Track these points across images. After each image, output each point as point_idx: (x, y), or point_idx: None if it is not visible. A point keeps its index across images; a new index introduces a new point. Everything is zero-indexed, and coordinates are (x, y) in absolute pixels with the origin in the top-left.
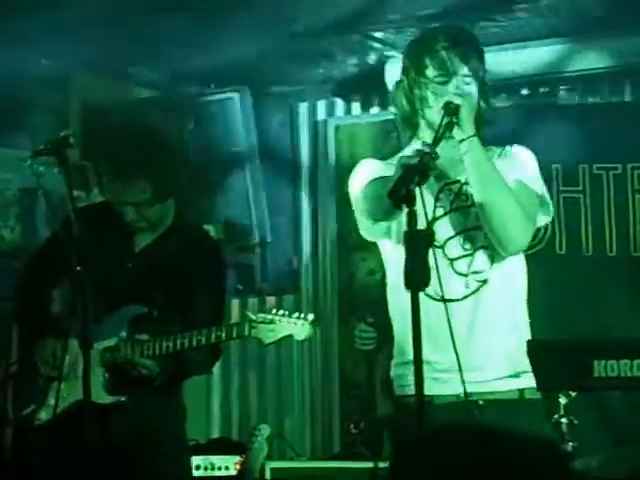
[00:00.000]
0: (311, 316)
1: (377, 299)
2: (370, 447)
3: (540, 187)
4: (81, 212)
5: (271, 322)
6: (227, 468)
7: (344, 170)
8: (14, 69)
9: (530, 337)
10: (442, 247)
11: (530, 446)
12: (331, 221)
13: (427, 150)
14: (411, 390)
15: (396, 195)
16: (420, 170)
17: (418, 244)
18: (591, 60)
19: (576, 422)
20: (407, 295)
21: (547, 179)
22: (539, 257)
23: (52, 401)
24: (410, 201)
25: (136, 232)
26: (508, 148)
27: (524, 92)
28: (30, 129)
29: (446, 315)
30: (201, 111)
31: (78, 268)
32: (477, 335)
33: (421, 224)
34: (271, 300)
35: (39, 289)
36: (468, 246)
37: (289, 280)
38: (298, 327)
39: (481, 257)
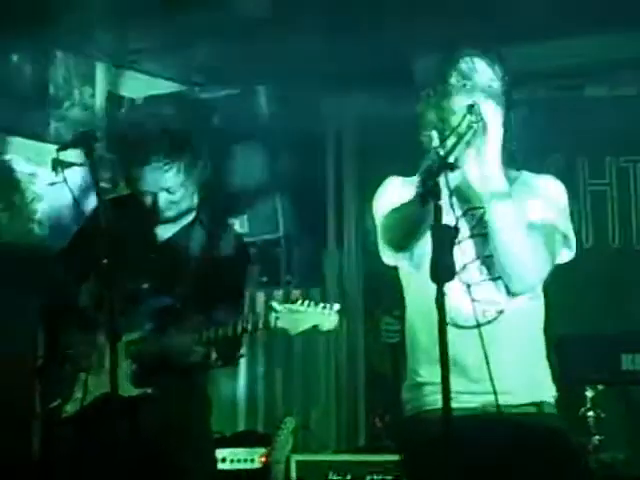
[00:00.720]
0: (337, 306)
1: (402, 292)
2: (395, 440)
3: (565, 224)
4: (107, 204)
5: (297, 312)
6: (252, 461)
7: (369, 162)
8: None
9: (546, 368)
10: (459, 273)
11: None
12: (357, 214)
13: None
14: (426, 405)
15: (423, 189)
16: (448, 164)
17: (444, 238)
18: (619, 52)
19: (603, 415)
20: (423, 317)
21: (573, 172)
22: None
23: (79, 394)
24: (436, 195)
25: (161, 223)
26: (535, 178)
27: (551, 84)
28: (57, 122)
29: (471, 341)
30: (226, 102)
31: (105, 261)
32: (493, 361)
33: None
34: (296, 293)
35: (67, 283)
36: (486, 273)
37: (314, 273)
38: (324, 317)
39: (499, 286)
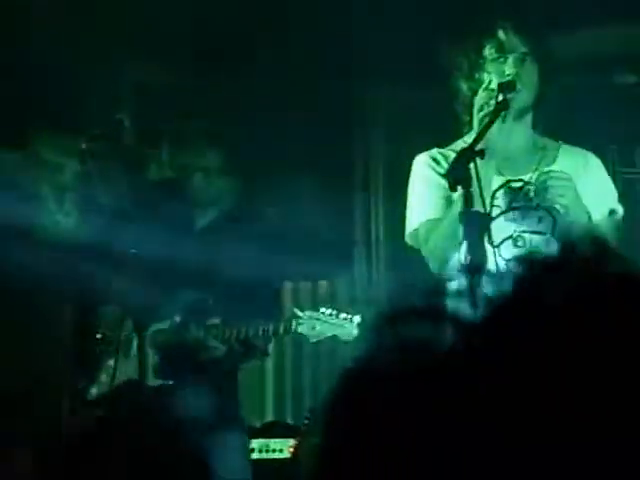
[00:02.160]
0: (358, 318)
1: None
2: None
3: (604, 190)
4: (142, 191)
5: (318, 320)
6: (281, 451)
7: (397, 153)
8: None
9: None
10: (497, 247)
11: None
12: (384, 204)
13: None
14: None
15: (452, 175)
16: (477, 151)
17: (474, 225)
18: None
19: None
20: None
21: (604, 160)
22: None
23: (104, 378)
24: (466, 182)
25: (200, 207)
26: (575, 149)
27: (581, 72)
28: (84, 113)
29: None
30: None
31: (133, 251)
32: None
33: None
34: (323, 284)
35: (96, 271)
36: (523, 247)
37: (342, 264)
38: (344, 329)
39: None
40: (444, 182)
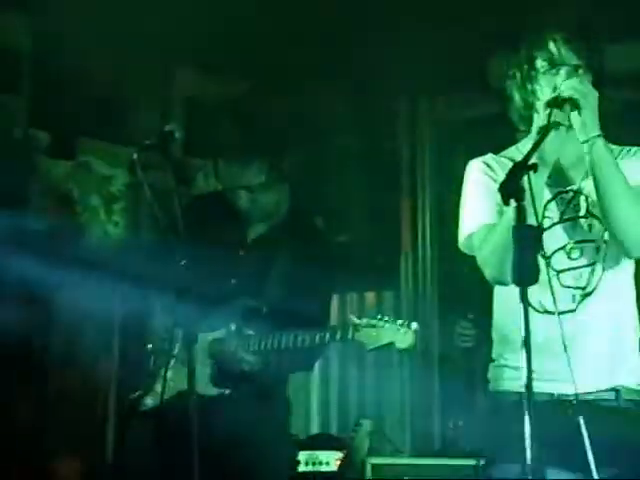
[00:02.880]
0: (415, 325)
1: (477, 296)
2: (471, 444)
3: None
4: (194, 202)
5: (374, 327)
6: (328, 463)
7: (445, 167)
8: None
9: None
10: (549, 258)
11: None
12: (431, 216)
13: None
14: (504, 386)
15: (505, 189)
16: (530, 165)
17: (527, 239)
18: None
19: None
20: (509, 300)
21: None
22: None
23: (159, 388)
24: (519, 195)
25: (250, 221)
26: (627, 149)
27: (630, 86)
28: (133, 125)
29: (551, 327)
30: None
31: (182, 262)
32: (576, 348)
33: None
34: (370, 296)
35: (150, 281)
36: (576, 259)
37: (389, 275)
38: (401, 335)
39: (589, 272)
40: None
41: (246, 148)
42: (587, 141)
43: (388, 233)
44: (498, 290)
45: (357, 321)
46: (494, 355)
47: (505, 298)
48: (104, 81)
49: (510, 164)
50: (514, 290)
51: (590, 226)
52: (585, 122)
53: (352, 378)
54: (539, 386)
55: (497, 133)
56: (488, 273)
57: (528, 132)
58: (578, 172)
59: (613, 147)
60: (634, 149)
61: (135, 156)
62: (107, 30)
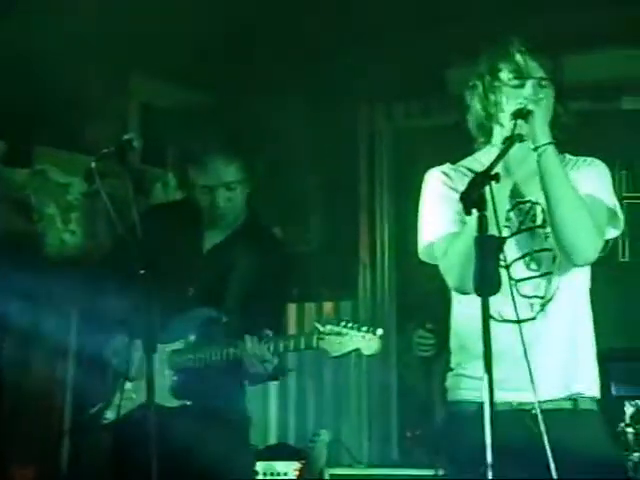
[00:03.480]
0: (380, 331)
1: (436, 305)
2: (428, 454)
3: (612, 200)
4: (150, 212)
5: (339, 334)
6: (286, 474)
7: (403, 176)
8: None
9: (594, 353)
10: (507, 268)
11: None
12: (389, 226)
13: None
14: (463, 396)
15: (467, 199)
16: (492, 175)
17: (489, 249)
18: None
19: None
20: (469, 309)
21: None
22: (602, 264)
23: (120, 401)
24: (481, 205)
25: (208, 228)
26: (582, 160)
27: (592, 97)
28: (91, 133)
29: (509, 336)
30: None
31: (142, 271)
32: (534, 356)
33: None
34: (328, 306)
35: (107, 291)
36: (534, 268)
37: (346, 285)
38: (366, 341)
39: (546, 281)
40: (457, 198)
41: (225, 148)
42: (537, 148)
43: (346, 243)
44: (457, 299)
45: (321, 328)
46: (452, 364)
47: (464, 307)
48: (61, 89)
49: (469, 174)
50: (473, 299)
51: (546, 236)
52: (536, 130)
53: (310, 388)
54: (497, 395)
55: (456, 142)
56: (451, 282)
57: (486, 143)
58: (535, 183)
59: (569, 157)
60: (589, 159)
61: (93, 164)
62: (63, 37)
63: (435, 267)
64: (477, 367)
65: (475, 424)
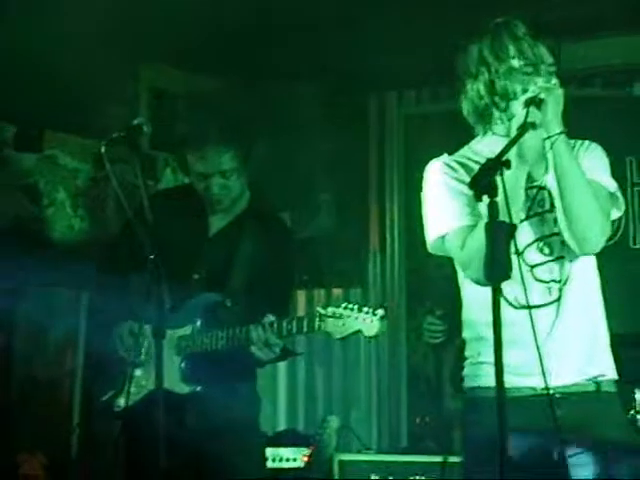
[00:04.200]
0: (381, 311)
1: (446, 292)
2: (437, 441)
3: (612, 183)
4: (156, 197)
5: (340, 317)
6: (295, 460)
7: (413, 163)
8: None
9: (608, 336)
10: (521, 254)
11: None
12: (399, 213)
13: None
14: (483, 382)
15: (478, 185)
16: (504, 161)
17: (499, 236)
18: None
19: None
20: (483, 296)
21: (621, 172)
22: (614, 252)
23: (131, 388)
24: (492, 191)
25: (214, 212)
26: (579, 143)
27: (598, 83)
28: (100, 118)
29: (530, 322)
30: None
31: (151, 256)
32: (555, 340)
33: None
34: (338, 292)
35: (116, 278)
36: (547, 252)
37: (356, 272)
38: (367, 323)
39: (560, 265)
40: (464, 189)
41: (221, 136)
42: (549, 137)
43: (356, 229)
44: (469, 288)
45: (323, 311)
46: (468, 353)
47: (477, 296)
48: (71, 74)
49: (470, 163)
50: (486, 288)
51: (555, 220)
52: (549, 119)
53: (319, 374)
54: (519, 381)
55: (466, 128)
56: (471, 274)
57: (485, 131)
58: (540, 168)
59: (570, 141)
60: (586, 143)
61: (103, 149)
62: (74, 23)
63: (444, 256)
64: (504, 357)
65: (495, 409)
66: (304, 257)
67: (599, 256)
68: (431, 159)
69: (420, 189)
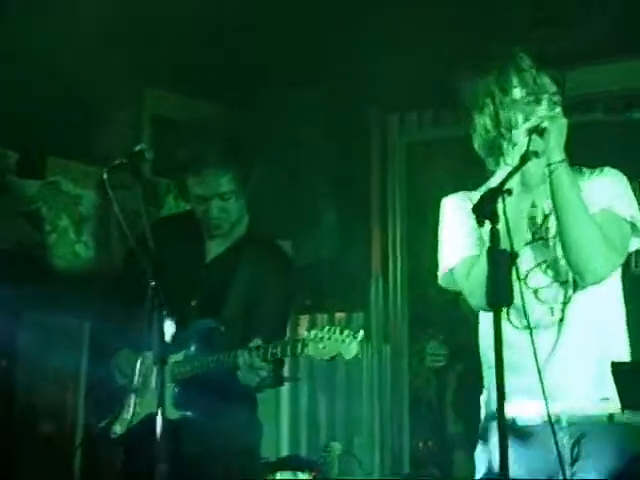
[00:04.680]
0: (361, 333)
1: (448, 316)
2: (440, 466)
3: (629, 211)
4: (157, 224)
5: (322, 340)
6: None
7: (415, 188)
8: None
9: (625, 357)
10: (524, 279)
11: None
12: (401, 238)
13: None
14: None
15: (479, 212)
16: (505, 190)
17: (500, 262)
18: None
19: None
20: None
21: None
22: None
23: (126, 415)
24: (493, 218)
25: (211, 239)
26: (598, 171)
27: (602, 108)
28: (102, 144)
29: (532, 344)
30: None
31: (153, 283)
32: (558, 362)
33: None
34: (340, 316)
35: (116, 304)
36: (551, 275)
37: (359, 296)
38: (346, 346)
39: (564, 288)
40: (474, 222)
41: (219, 159)
42: (550, 165)
43: (358, 254)
44: (483, 321)
45: (307, 335)
46: (486, 383)
47: (489, 328)
48: (73, 100)
49: None
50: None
51: (558, 245)
52: (551, 147)
53: (322, 400)
54: (528, 405)
55: (468, 153)
56: (476, 301)
57: (496, 163)
58: (542, 194)
59: (584, 169)
60: (605, 169)
61: (105, 176)
62: (76, 49)
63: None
64: (511, 381)
65: (517, 438)
66: (306, 282)
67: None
68: (433, 184)
69: (422, 214)
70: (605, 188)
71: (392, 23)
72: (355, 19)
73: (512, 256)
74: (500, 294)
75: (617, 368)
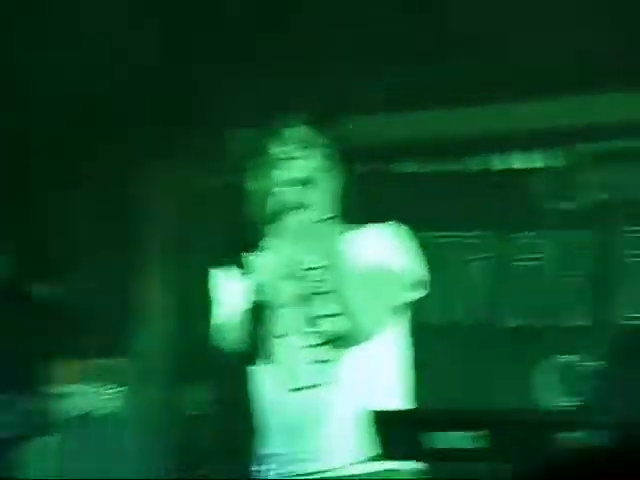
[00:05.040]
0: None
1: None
2: None
3: (401, 265)
4: None
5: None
6: None
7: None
8: None
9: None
10: (288, 336)
11: None
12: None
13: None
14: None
15: (231, 264)
16: (252, 244)
17: (253, 317)
18: None
19: None
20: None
21: None
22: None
23: None
24: (246, 270)
25: None
26: (370, 226)
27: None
28: None
29: (309, 404)
30: None
31: None
32: (326, 424)
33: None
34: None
35: None
36: (318, 334)
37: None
38: None
39: (336, 345)
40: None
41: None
42: (319, 221)
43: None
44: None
45: None
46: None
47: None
48: None
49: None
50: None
51: (326, 301)
52: (315, 201)
53: None
54: (295, 468)
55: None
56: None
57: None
58: (308, 249)
59: (355, 225)
60: (385, 225)
61: None
62: None
63: None
64: (275, 442)
65: None
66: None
67: None
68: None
69: None
70: (378, 244)
71: None
72: None
73: (266, 311)
74: (254, 349)
75: (378, 417)
